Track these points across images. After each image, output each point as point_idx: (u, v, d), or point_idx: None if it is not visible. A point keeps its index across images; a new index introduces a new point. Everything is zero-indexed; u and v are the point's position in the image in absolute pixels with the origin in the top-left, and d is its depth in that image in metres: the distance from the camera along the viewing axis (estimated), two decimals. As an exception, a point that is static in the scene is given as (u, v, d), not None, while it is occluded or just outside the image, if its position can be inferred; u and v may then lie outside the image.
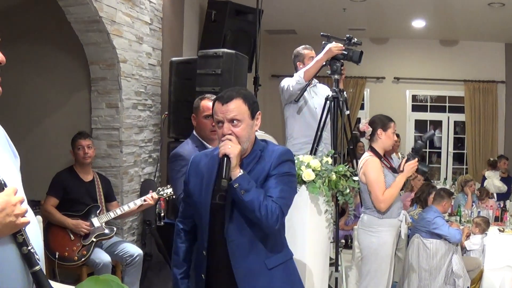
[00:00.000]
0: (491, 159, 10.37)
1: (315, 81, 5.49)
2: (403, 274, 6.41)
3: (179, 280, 2.94)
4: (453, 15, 9.62)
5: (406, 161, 4.66)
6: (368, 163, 4.59)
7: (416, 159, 4.66)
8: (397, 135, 8.87)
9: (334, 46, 4.87)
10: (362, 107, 12.35)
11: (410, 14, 9.80)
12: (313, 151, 4.91)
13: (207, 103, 3.83)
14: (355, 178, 4.44)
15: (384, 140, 4.64)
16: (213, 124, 3.77)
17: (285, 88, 5.19)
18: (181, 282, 2.93)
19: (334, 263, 4.83)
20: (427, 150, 12.40)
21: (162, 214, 5.96)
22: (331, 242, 4.68)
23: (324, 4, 8.99)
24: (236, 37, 7.08)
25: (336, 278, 4.75)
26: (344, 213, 7.21)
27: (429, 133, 4.97)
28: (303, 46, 5.48)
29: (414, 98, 12.47)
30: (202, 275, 2.81)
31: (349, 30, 10.37)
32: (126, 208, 5.02)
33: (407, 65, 12.09)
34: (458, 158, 12.68)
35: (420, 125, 12.65)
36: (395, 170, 4.69)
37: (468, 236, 6.77)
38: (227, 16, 7.12)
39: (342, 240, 7.16)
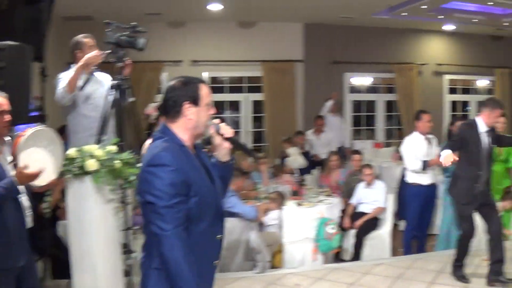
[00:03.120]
0: (288, 137, 10.74)
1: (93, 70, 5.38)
2: (202, 254, 6.58)
3: None
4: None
5: None
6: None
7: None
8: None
9: (92, 56, 4.94)
10: (160, 91, 12.25)
11: (205, -3, 9.92)
12: (99, 142, 4.71)
13: None
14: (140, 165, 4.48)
15: None
16: (5, 119, 3.64)
17: (56, 90, 5.12)
18: None
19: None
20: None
21: None
22: (123, 230, 4.70)
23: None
24: (27, 27, 6.75)
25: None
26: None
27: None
28: (83, 34, 5.36)
29: (213, 80, 12.72)
30: (214, 263, 2.90)
31: (146, 15, 10.40)
32: None
33: (205, 48, 12.25)
34: (258, 137, 13.15)
35: (218, 106, 12.94)
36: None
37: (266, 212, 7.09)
38: (17, 5, 6.76)
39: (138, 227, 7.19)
